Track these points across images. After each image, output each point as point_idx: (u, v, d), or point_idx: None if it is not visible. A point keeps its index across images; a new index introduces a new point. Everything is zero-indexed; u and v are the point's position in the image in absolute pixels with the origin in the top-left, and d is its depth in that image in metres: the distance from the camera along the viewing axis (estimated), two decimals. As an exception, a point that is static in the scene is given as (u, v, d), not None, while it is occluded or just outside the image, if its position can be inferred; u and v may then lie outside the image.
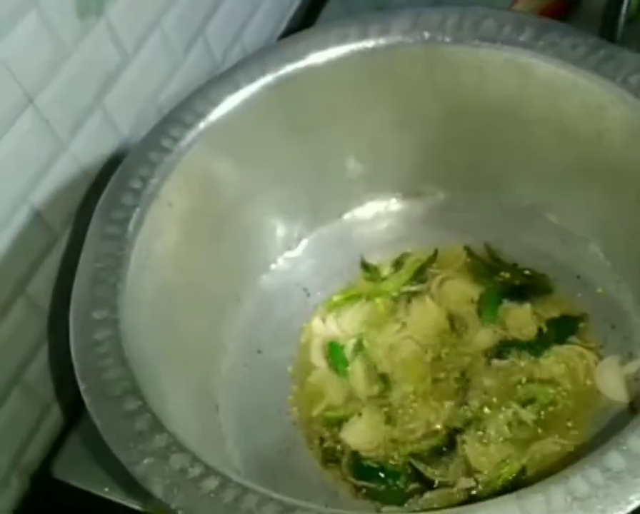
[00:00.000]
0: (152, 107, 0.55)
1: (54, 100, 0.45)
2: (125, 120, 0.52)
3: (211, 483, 0.30)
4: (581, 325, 0.50)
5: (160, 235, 0.43)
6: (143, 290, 0.40)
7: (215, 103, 0.46)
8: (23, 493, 0.51)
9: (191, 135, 0.45)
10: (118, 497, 0.48)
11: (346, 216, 0.58)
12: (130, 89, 0.52)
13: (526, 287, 0.53)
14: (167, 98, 0.56)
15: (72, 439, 0.52)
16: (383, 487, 0.46)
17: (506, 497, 0.28)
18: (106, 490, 0.48)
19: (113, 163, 0.51)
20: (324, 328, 0.54)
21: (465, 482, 0.45)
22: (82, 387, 0.34)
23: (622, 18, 0.53)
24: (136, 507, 0.47)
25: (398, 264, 0.56)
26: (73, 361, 0.35)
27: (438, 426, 0.48)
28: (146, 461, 0.31)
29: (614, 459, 0.27)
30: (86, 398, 0.34)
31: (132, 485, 0.47)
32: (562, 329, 0.50)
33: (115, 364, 0.35)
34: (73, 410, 0.53)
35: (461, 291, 0.54)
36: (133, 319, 0.38)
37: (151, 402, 0.34)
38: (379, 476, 0.46)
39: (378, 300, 0.55)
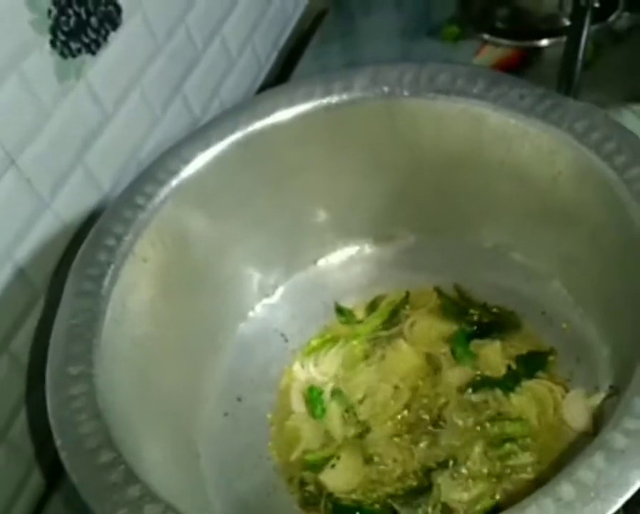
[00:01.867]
0: (133, 162, 0.56)
1: (36, 160, 0.47)
2: (106, 176, 0.54)
3: (183, 532, 0.31)
4: (551, 358, 0.51)
5: (134, 290, 0.44)
6: (119, 344, 0.41)
7: (187, 161, 0.48)
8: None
9: (164, 192, 0.47)
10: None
11: (321, 262, 0.60)
12: (111, 146, 0.54)
13: (495, 324, 0.54)
14: (147, 153, 0.58)
15: (56, 497, 0.52)
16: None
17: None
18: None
19: (95, 219, 0.51)
20: (303, 372, 0.55)
21: (442, 521, 0.46)
22: (58, 442, 0.35)
23: (579, 64, 0.56)
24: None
25: (372, 307, 0.58)
26: (49, 417, 0.36)
27: (414, 467, 0.48)
28: (120, 512, 0.32)
29: (566, 489, 0.28)
30: (61, 453, 0.35)
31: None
32: (531, 365, 0.51)
33: (90, 418, 0.36)
34: (58, 466, 0.53)
35: (434, 331, 0.55)
36: (109, 374, 0.39)
37: (126, 454, 0.35)
38: (356, 515, 0.46)
39: (354, 343, 0.56)
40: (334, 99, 0.49)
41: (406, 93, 0.47)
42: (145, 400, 0.43)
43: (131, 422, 0.39)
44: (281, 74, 0.78)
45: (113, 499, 0.32)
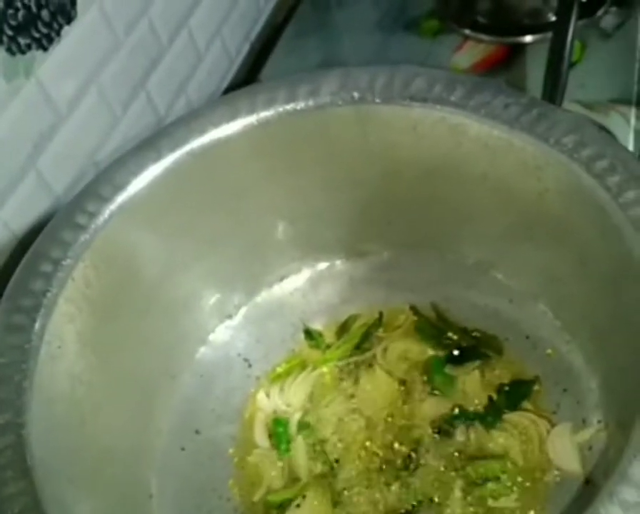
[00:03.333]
0: (90, 165, 0.53)
1: None
2: (60, 181, 0.51)
3: None
4: (536, 388, 0.48)
5: (75, 320, 0.41)
6: (55, 385, 0.38)
7: (135, 173, 0.44)
8: None
9: (108, 209, 0.43)
10: None
11: (287, 280, 0.57)
12: (65, 149, 0.51)
13: (475, 349, 0.51)
14: (106, 155, 0.55)
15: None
16: None
17: None
18: None
19: (46, 225, 0.49)
20: (268, 402, 0.52)
21: (416, 570, 0.43)
22: (-25, 507, 0.31)
23: (566, 62, 0.53)
24: None
25: (343, 328, 0.55)
26: (-31, 476, 0.33)
27: (387, 509, 0.46)
28: None
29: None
30: (-21, 521, 0.31)
31: None
32: (514, 395, 0.49)
33: (16, 476, 0.32)
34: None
35: (409, 356, 0.53)
36: (42, 421, 0.36)
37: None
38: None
39: (324, 370, 0.53)
40: (299, 105, 0.46)
41: (378, 99, 0.44)
42: (88, 445, 0.40)
43: (68, 474, 0.36)
44: (253, 69, 0.75)
45: None
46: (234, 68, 0.74)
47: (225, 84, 0.73)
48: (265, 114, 0.46)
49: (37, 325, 0.38)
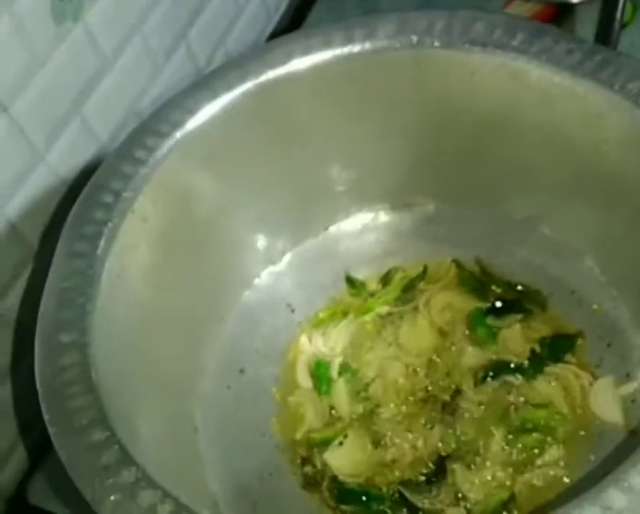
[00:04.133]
0: (132, 114, 0.54)
1: (30, 108, 0.45)
2: (104, 127, 0.52)
3: (182, 522, 0.29)
4: (579, 342, 0.49)
5: (133, 251, 0.42)
6: (115, 311, 0.39)
7: (192, 112, 0.45)
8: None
9: (166, 145, 0.44)
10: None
11: (332, 229, 0.57)
12: (110, 96, 0.52)
13: (519, 303, 0.52)
14: (148, 104, 0.55)
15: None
16: (367, 512, 0.45)
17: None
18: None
19: (91, 173, 0.50)
20: (310, 346, 0.53)
21: (454, 511, 0.44)
22: (46, 417, 0.33)
23: (617, 25, 0.53)
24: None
25: (385, 280, 0.56)
26: (38, 389, 0.34)
27: (427, 453, 0.47)
28: (112, 498, 0.30)
29: (615, 497, 0.26)
30: (50, 429, 0.33)
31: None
32: (556, 348, 0.49)
33: (82, 392, 0.34)
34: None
35: (452, 308, 0.53)
36: (104, 342, 0.37)
37: (120, 433, 0.33)
38: (362, 500, 0.45)
39: (366, 318, 0.54)
40: (356, 48, 0.46)
41: (436, 43, 0.43)
42: (142, 371, 0.42)
43: (126, 396, 0.37)
44: (291, 25, 0.75)
45: (106, 483, 0.30)
46: (273, 23, 0.74)
47: (264, 37, 0.73)
48: (320, 57, 0.46)
49: (99, 252, 0.39)
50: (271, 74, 0.46)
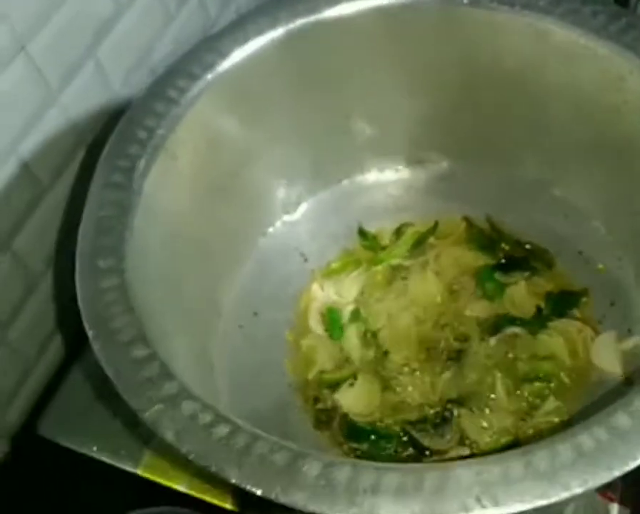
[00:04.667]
0: (143, 62, 0.55)
1: (46, 48, 0.45)
2: (117, 73, 0.53)
3: (222, 430, 0.32)
4: (584, 299, 0.52)
5: (165, 187, 0.44)
6: (148, 240, 0.41)
7: (223, 55, 0.47)
8: (5, 451, 0.52)
9: (198, 86, 0.46)
10: (107, 458, 0.49)
11: (346, 181, 0.60)
12: (122, 42, 0.52)
13: (526, 260, 0.54)
14: (160, 53, 0.56)
15: (59, 396, 0.52)
16: (375, 450, 0.47)
17: (512, 451, 0.30)
18: (95, 449, 0.49)
19: (102, 117, 0.51)
20: (322, 293, 0.56)
21: (459, 451, 0.47)
22: (90, 333, 0.35)
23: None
24: (126, 468, 0.49)
25: (397, 233, 0.58)
26: (81, 309, 0.36)
27: (434, 397, 0.49)
28: (156, 407, 0.32)
29: (621, 419, 0.29)
30: (94, 345, 0.35)
31: (122, 445, 0.49)
32: (561, 303, 0.52)
33: (122, 312, 0.36)
34: (60, 367, 0.54)
35: (461, 263, 0.56)
36: (140, 269, 0.39)
37: (160, 350, 0.35)
38: (370, 438, 0.47)
39: (377, 269, 0.56)
40: (385, 1, 0.47)
41: (465, 0, 0.45)
42: (170, 302, 0.44)
43: (161, 321, 0.39)
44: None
45: (150, 394, 0.33)
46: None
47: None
48: (350, 8, 0.48)
49: (134, 185, 0.41)
50: (300, 22, 0.48)
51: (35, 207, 0.49)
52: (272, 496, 0.29)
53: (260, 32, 0.47)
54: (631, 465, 0.28)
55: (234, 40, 0.48)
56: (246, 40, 0.47)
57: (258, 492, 0.30)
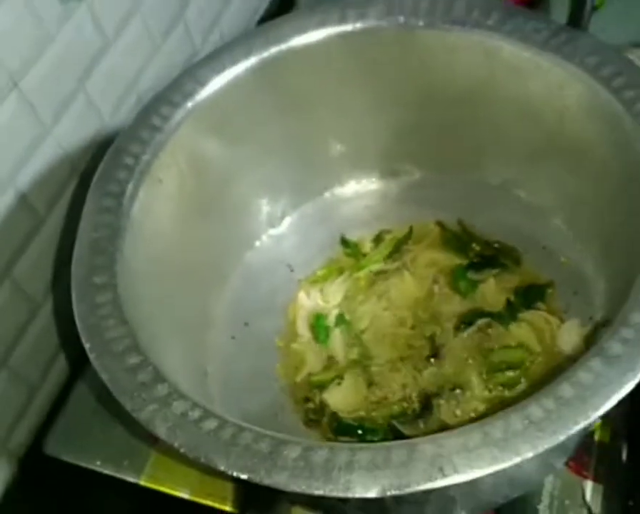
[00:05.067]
0: (132, 91, 0.57)
1: (39, 84, 0.47)
2: (106, 104, 0.55)
3: (211, 424, 0.34)
4: (549, 291, 0.54)
5: (151, 209, 0.46)
6: (138, 261, 0.44)
7: (202, 83, 0.50)
8: (14, 472, 0.53)
9: (179, 114, 0.48)
10: (110, 470, 0.51)
11: (327, 195, 0.62)
12: (111, 74, 0.54)
13: (496, 258, 0.57)
14: (147, 82, 0.58)
15: (63, 415, 0.55)
16: (362, 443, 0.50)
17: (472, 425, 0.32)
18: (98, 463, 0.51)
19: (94, 147, 0.54)
20: (309, 300, 0.58)
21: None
22: (87, 345, 0.38)
23: (589, 8, 0.57)
24: (129, 479, 0.51)
25: (377, 240, 0.61)
26: (77, 323, 0.39)
27: (415, 391, 0.52)
28: (149, 408, 0.35)
29: (565, 389, 0.32)
30: (91, 355, 0.37)
31: (124, 457, 0.51)
32: (529, 296, 0.54)
33: (116, 324, 0.38)
34: (63, 387, 0.56)
35: (436, 264, 0.58)
36: (131, 286, 0.42)
37: (152, 358, 0.38)
38: (358, 433, 0.50)
39: (359, 275, 0.59)
40: (349, 27, 0.50)
41: (421, 23, 0.48)
42: (160, 317, 0.46)
43: (153, 333, 0.42)
44: (281, 7, 0.78)
45: (143, 396, 0.35)
46: (265, 3, 0.78)
47: (256, 18, 0.76)
48: (317, 35, 0.51)
49: (123, 209, 0.44)
50: (272, 50, 0.51)
51: (33, 235, 0.51)
52: (257, 480, 0.32)
53: (235, 61, 0.50)
54: (575, 429, 0.30)
55: (212, 69, 0.50)
56: (222, 69, 0.50)
57: (244, 477, 0.32)
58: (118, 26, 0.54)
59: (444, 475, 0.30)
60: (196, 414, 0.34)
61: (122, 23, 0.55)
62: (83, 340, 0.38)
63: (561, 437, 0.30)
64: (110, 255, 0.41)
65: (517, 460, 0.30)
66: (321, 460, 0.32)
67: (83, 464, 0.52)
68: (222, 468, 0.32)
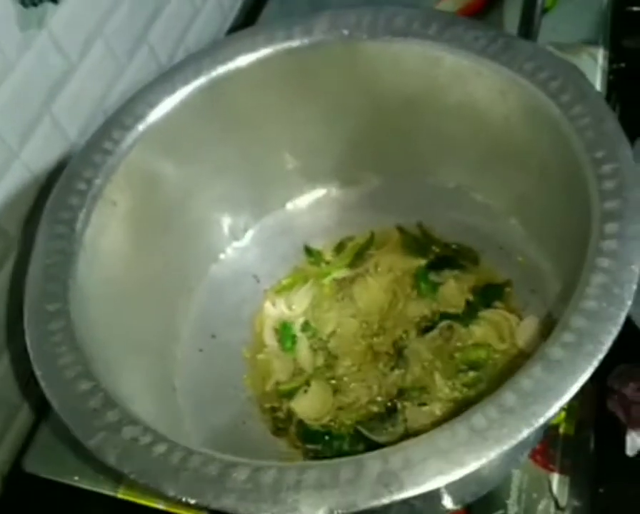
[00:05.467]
0: (99, 111, 0.56)
1: (2, 110, 0.46)
2: (73, 126, 0.54)
3: (160, 448, 0.33)
4: (507, 290, 0.53)
5: (105, 233, 0.45)
6: (92, 285, 0.42)
7: (152, 105, 0.48)
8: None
9: (131, 136, 0.47)
10: (87, 485, 0.51)
11: (289, 205, 0.61)
12: (76, 96, 0.53)
13: (454, 259, 0.56)
14: (114, 101, 0.57)
15: (42, 433, 0.54)
16: (330, 450, 0.49)
17: (420, 436, 0.31)
18: (76, 478, 0.51)
19: (62, 168, 0.51)
20: (275, 310, 0.57)
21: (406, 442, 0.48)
22: (38, 373, 0.36)
23: (539, 10, 0.57)
24: (106, 492, 0.50)
25: (339, 248, 0.60)
26: (29, 350, 0.37)
27: (381, 395, 0.51)
28: (99, 434, 0.34)
29: (507, 397, 0.31)
30: (42, 383, 0.36)
31: (101, 471, 0.50)
32: (488, 295, 0.53)
33: (69, 351, 0.37)
34: (42, 405, 0.55)
35: (397, 268, 0.57)
36: (85, 312, 0.40)
37: (104, 383, 0.36)
38: (325, 439, 0.49)
39: (324, 282, 0.58)
40: (295, 43, 0.49)
41: (364, 36, 0.47)
42: (120, 337, 0.45)
43: (108, 357, 0.40)
44: (246, 23, 0.78)
45: (93, 423, 0.34)
46: (230, 19, 0.77)
47: (222, 34, 0.75)
48: (264, 52, 0.50)
49: (76, 235, 0.43)
50: (220, 69, 0.49)
51: (5, 259, 0.50)
52: (205, 503, 0.31)
53: (185, 81, 0.49)
54: (518, 438, 0.29)
55: (163, 90, 0.49)
56: (173, 90, 0.49)
57: (192, 502, 0.31)
58: (82, 49, 0.53)
59: (390, 492, 0.29)
60: (146, 439, 0.33)
61: (85, 46, 0.54)
62: (35, 367, 0.37)
63: (505, 447, 0.29)
64: (62, 282, 0.40)
65: (463, 471, 0.29)
66: (270, 480, 0.31)
67: (61, 480, 0.51)
68: (171, 494, 0.31)
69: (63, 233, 0.42)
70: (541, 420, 0.29)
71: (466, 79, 0.46)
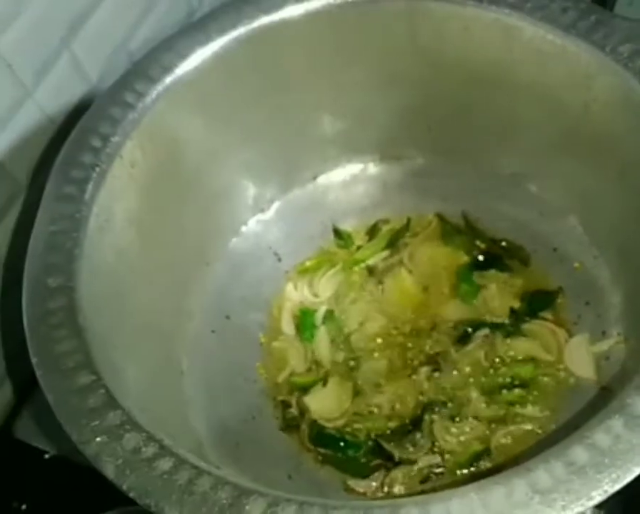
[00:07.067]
0: (122, 53, 0.52)
1: (18, 43, 0.43)
2: (94, 66, 0.50)
3: (165, 464, 0.29)
4: (559, 299, 0.49)
5: (121, 197, 0.41)
6: (102, 256, 0.39)
7: (183, 56, 0.44)
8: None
9: (156, 90, 0.43)
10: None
11: (321, 179, 0.57)
12: (99, 32, 0.50)
13: (501, 258, 0.52)
14: (138, 43, 0.54)
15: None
16: (344, 457, 0.46)
17: (467, 487, 0.27)
18: (67, 449, 0.47)
19: (81, 112, 0.48)
20: (296, 293, 0.54)
21: (429, 459, 0.45)
22: (34, 359, 0.33)
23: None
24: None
25: (372, 232, 0.56)
26: (26, 332, 0.34)
27: (406, 404, 0.47)
28: (98, 439, 0.30)
29: (578, 453, 0.27)
30: (37, 371, 0.33)
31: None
32: (536, 304, 0.50)
33: (69, 335, 0.34)
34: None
35: (434, 263, 0.54)
36: (91, 287, 0.37)
37: (106, 376, 0.33)
38: (339, 445, 0.46)
39: (354, 269, 0.54)
40: (350, -4, 0.44)
41: (433, -8, 0.42)
42: (128, 315, 0.42)
43: (112, 341, 0.37)
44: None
45: (91, 425, 0.31)
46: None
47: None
48: (314, 4, 0.45)
49: (87, 197, 0.39)
50: (264, 20, 0.45)
51: (10, 206, 0.47)
52: (214, 537, 0.27)
53: (221, 31, 0.44)
54: (588, 505, 0.25)
55: (195, 40, 0.44)
56: (206, 40, 0.44)
57: (200, 534, 0.27)
58: (108, -22, 0.50)
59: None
60: (149, 451, 0.30)
61: (112, -24, 0.50)
62: (31, 352, 0.33)
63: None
64: (68, 252, 0.36)
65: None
66: (290, 518, 0.27)
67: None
68: (175, 520, 0.27)
69: (73, 194, 0.39)
70: (617, 487, 0.25)
71: (547, 56, 0.41)
